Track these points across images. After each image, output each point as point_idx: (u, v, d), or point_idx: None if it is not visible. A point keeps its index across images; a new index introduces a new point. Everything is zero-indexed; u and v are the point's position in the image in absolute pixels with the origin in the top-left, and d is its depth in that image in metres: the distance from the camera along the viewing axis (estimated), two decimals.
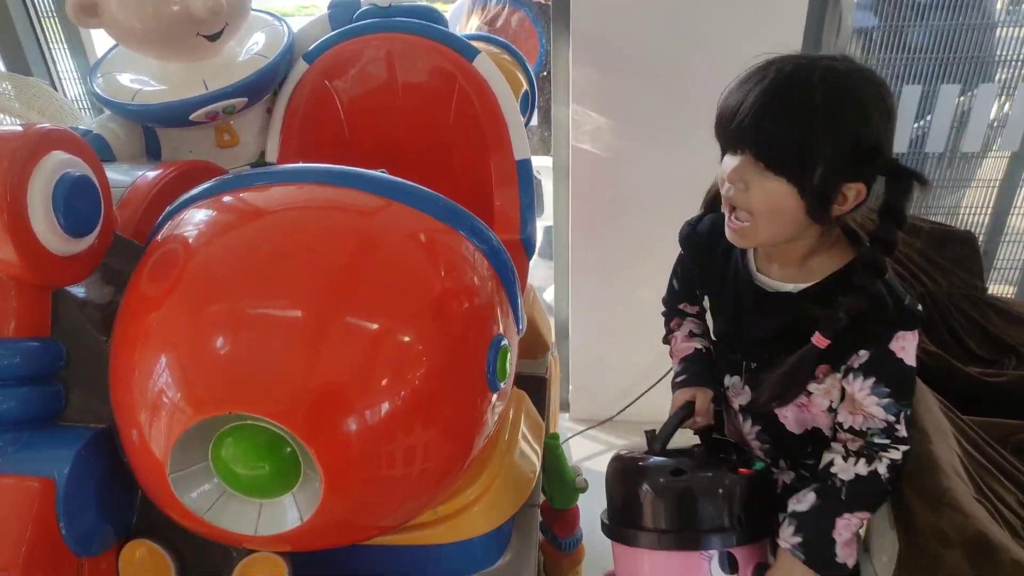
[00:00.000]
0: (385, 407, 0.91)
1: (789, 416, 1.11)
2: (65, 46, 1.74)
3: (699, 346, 1.26)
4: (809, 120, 0.86)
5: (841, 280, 0.98)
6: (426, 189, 1.08)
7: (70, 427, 0.96)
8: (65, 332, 0.98)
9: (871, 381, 0.98)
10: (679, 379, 1.24)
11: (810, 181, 0.89)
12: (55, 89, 1.70)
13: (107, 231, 1.03)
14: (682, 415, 1.17)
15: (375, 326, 0.93)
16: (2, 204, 0.87)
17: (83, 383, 0.99)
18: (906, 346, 0.97)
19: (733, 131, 0.93)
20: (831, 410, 1.06)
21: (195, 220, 1.03)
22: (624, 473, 1.16)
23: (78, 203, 0.95)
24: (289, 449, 0.89)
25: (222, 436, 0.89)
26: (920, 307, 0.97)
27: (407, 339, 0.94)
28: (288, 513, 0.90)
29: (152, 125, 1.38)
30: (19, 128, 0.93)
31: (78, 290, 1.01)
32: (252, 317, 0.91)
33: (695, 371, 1.23)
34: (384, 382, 0.92)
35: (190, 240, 0.99)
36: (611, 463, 1.19)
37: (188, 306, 0.93)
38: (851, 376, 0.99)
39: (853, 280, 0.95)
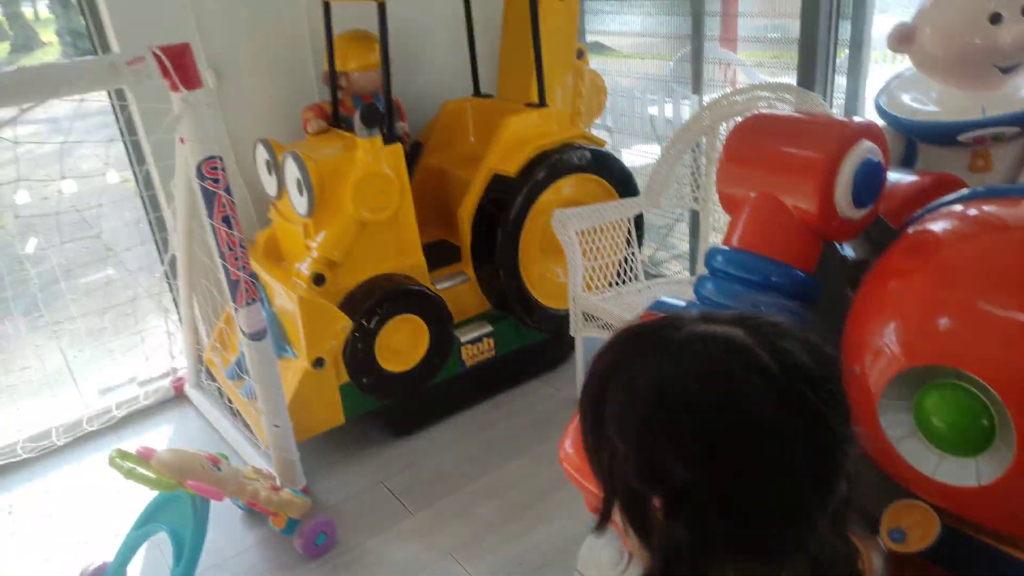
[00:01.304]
0: None
1: None
2: (845, 72, 2.14)
3: None
4: None
5: None
6: None
7: None
8: (822, 275, 1.30)
9: None
10: None
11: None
12: (826, 103, 2.11)
13: (875, 210, 1.30)
14: None
15: None
16: (823, 171, 1.21)
17: (822, 316, 1.29)
18: None
19: None
20: None
21: (948, 219, 1.21)
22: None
23: (869, 183, 1.24)
24: (986, 421, 1.01)
25: (929, 388, 1.07)
26: None
27: None
28: (966, 472, 1.03)
29: (918, 140, 1.61)
30: (844, 118, 1.26)
31: (841, 248, 1.31)
32: (981, 306, 1.06)
33: None
34: None
35: (940, 234, 1.18)
36: None
37: (927, 283, 1.13)
38: None
39: None
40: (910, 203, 1.37)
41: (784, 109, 2.09)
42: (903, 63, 1.68)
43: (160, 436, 2.73)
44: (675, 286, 2.57)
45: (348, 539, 2.17)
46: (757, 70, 2.88)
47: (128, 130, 2.33)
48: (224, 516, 2.22)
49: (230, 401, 2.60)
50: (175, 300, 2.79)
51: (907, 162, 1.63)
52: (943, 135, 1.52)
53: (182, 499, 1.92)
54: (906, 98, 1.60)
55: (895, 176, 1.43)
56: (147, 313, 2.71)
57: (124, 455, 1.87)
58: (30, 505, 2.37)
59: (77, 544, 2.17)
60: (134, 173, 2.52)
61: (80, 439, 2.65)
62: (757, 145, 1.32)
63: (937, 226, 1.19)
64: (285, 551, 2.12)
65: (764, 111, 1.48)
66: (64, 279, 2.50)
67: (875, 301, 1.18)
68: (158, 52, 1.56)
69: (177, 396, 2.90)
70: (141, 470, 1.82)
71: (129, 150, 2.49)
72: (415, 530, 2.19)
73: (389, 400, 2.46)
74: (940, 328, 1.08)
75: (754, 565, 0.58)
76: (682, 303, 1.43)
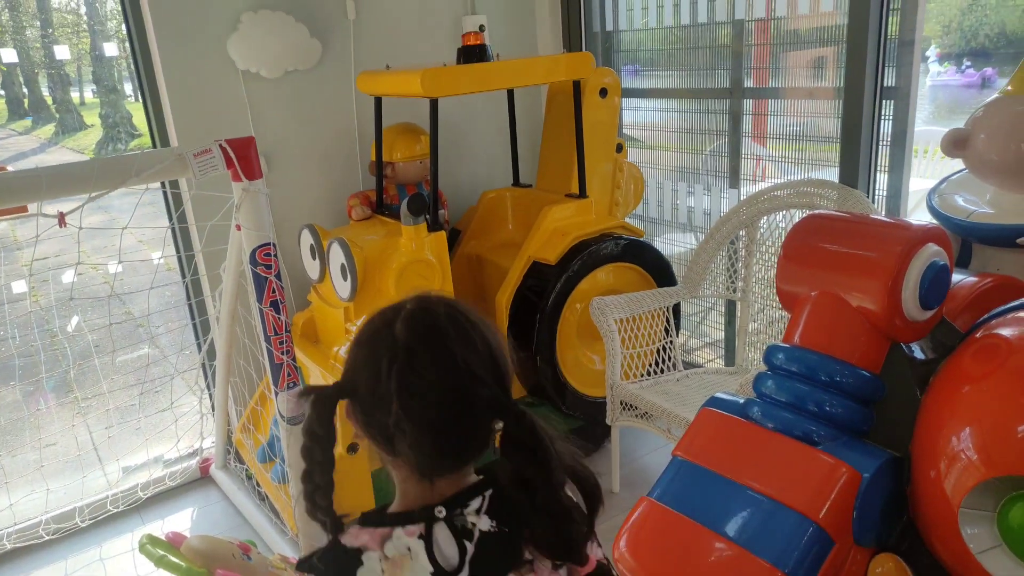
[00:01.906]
0: None
1: None
2: (887, 172, 2.19)
3: None
4: None
5: None
6: None
7: (875, 446, 1.24)
8: (888, 375, 1.28)
9: None
10: None
11: None
12: (868, 200, 2.13)
13: (940, 312, 1.29)
14: None
15: None
16: (891, 272, 1.21)
17: (889, 417, 1.26)
18: None
19: None
20: None
21: (1020, 324, 1.19)
22: None
23: (936, 285, 1.23)
24: None
25: (1015, 499, 1.03)
26: None
27: None
28: None
29: (975, 241, 1.61)
30: (911, 222, 1.27)
31: (908, 348, 1.29)
32: None
33: None
34: None
35: (1012, 340, 1.17)
36: None
37: (1002, 389, 1.11)
38: None
39: None
40: (973, 305, 1.36)
41: (826, 205, 2.11)
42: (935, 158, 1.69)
43: (183, 518, 2.67)
44: (713, 376, 2.54)
45: None
46: (786, 164, 2.94)
47: (175, 214, 2.39)
48: None
49: (258, 484, 2.55)
50: (207, 382, 2.79)
51: (961, 262, 1.63)
52: (1000, 238, 1.52)
53: None
54: (959, 200, 1.61)
55: (955, 277, 1.43)
56: (179, 393, 2.70)
57: (155, 541, 1.82)
58: None
59: None
60: (179, 258, 2.56)
61: (103, 520, 2.60)
62: (818, 244, 1.33)
63: (1008, 331, 1.18)
64: None
65: (821, 211, 1.50)
66: (98, 356, 2.50)
67: (948, 406, 1.16)
68: (224, 145, 1.61)
69: (202, 477, 2.85)
70: (172, 558, 1.77)
71: (177, 235, 2.54)
72: None
73: None
74: (1021, 436, 1.05)
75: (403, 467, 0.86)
76: (740, 399, 1.40)
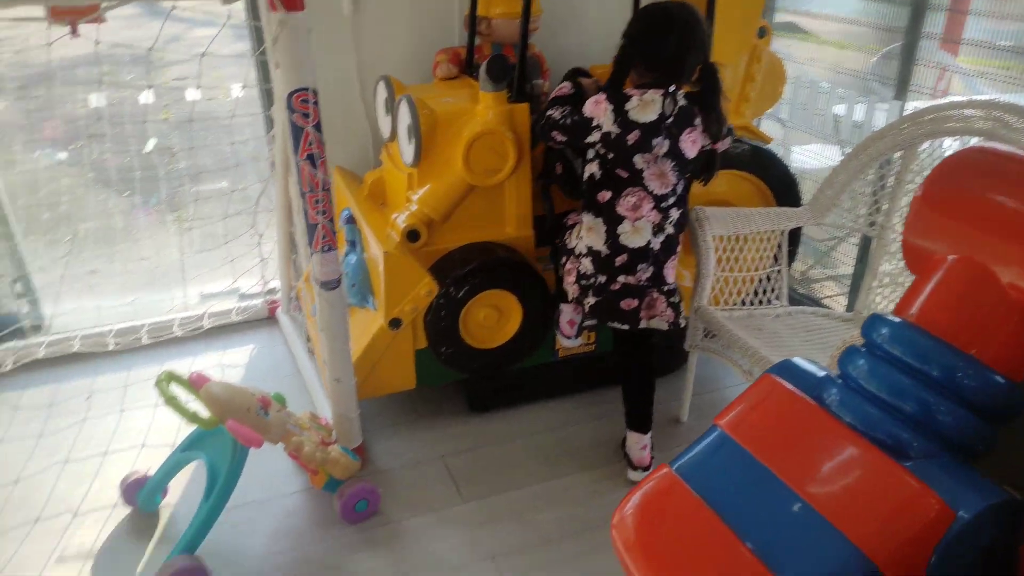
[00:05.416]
0: None
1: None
2: None
3: None
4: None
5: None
6: None
7: (986, 479, 0.90)
8: None
9: None
10: None
11: None
12: None
13: None
14: None
15: None
16: None
17: (1018, 442, 0.91)
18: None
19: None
20: None
21: None
22: None
23: None
24: None
25: None
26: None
27: None
28: None
29: None
30: None
31: None
32: None
33: None
34: None
35: None
36: None
37: None
38: None
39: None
40: None
41: (1019, 141, 1.61)
42: None
43: (243, 354, 2.69)
44: (822, 320, 2.15)
45: (390, 511, 2.00)
46: (979, 81, 2.34)
47: (258, 46, 2.21)
48: (274, 459, 2.11)
49: (309, 339, 2.50)
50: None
51: None
52: None
53: (225, 433, 1.82)
54: None
55: None
56: (262, 229, 2.66)
57: (173, 378, 1.78)
58: (107, 396, 2.39)
59: (138, 446, 2.15)
60: (260, 90, 2.41)
61: (167, 341, 2.66)
62: (972, 190, 0.94)
63: None
64: (322, 506, 1.99)
65: (987, 144, 1.07)
66: (198, 184, 2.48)
67: None
68: None
69: (269, 317, 2.85)
70: (180, 401, 1.72)
71: (257, 66, 2.38)
72: (462, 520, 1.99)
73: (467, 375, 2.26)
74: None
75: (651, 76, 1.77)
76: (819, 372, 1.08)
